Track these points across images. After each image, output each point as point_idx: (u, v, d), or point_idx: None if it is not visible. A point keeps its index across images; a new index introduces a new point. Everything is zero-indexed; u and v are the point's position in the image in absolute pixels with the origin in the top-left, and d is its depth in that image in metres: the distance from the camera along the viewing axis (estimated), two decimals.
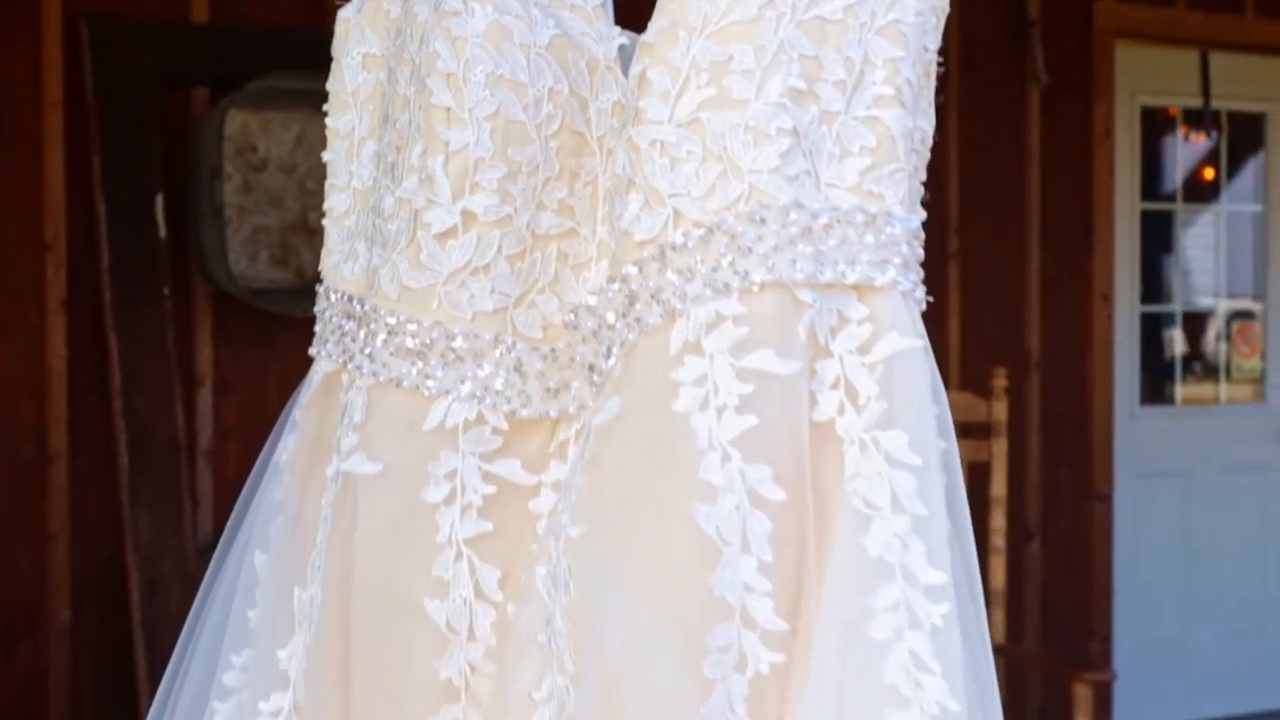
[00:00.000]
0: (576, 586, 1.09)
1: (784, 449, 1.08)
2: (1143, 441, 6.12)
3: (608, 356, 1.14)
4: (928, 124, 1.19)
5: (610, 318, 1.14)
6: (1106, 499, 5.92)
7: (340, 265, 1.33)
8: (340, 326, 1.29)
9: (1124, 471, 5.99)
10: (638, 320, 1.12)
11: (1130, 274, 6.11)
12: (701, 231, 1.11)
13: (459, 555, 1.19)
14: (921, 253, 1.18)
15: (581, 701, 1.07)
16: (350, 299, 1.29)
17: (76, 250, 4.16)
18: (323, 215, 1.40)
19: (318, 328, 1.33)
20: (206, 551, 4.14)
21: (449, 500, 1.20)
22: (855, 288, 1.12)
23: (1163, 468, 6.13)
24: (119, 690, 4.15)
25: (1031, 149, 5.70)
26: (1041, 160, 5.70)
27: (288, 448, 1.32)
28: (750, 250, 1.10)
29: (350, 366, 1.25)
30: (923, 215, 1.18)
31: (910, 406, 1.10)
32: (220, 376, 4.39)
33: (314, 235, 4.49)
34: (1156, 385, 6.33)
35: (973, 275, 5.55)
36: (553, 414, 1.20)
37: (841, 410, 1.10)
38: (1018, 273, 5.69)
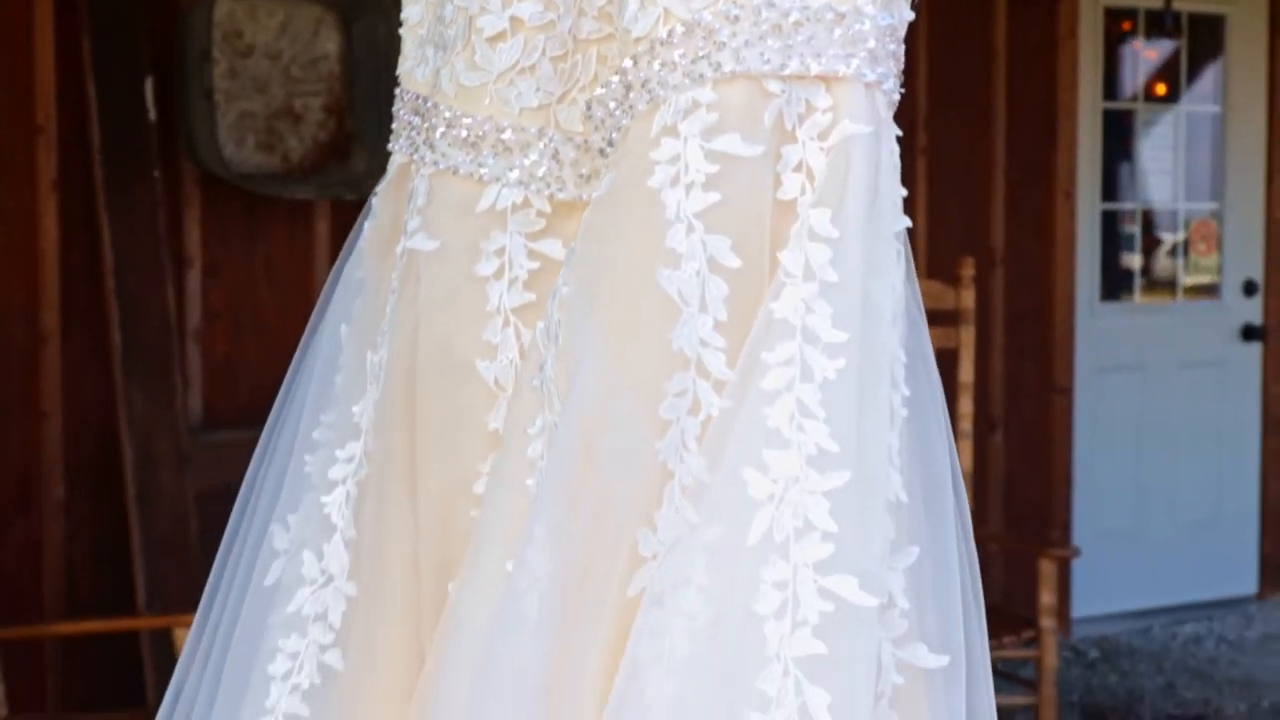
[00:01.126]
0: (564, 337, 1.22)
1: (745, 223, 1.20)
2: (1102, 337, 6.27)
3: (611, 135, 1.26)
4: None
5: (612, 106, 1.25)
6: (1067, 392, 6.08)
7: (414, 70, 1.45)
8: (410, 122, 1.41)
9: (1084, 366, 6.14)
10: (630, 107, 1.23)
11: (1092, 172, 6.24)
12: (684, 28, 1.22)
13: (506, 322, 1.32)
14: (898, 50, 1.28)
15: (564, 433, 1.19)
16: (418, 98, 1.41)
17: (67, 133, 4.21)
18: (397, 34, 1.51)
19: (394, 126, 1.44)
20: (197, 430, 4.23)
21: (498, 274, 1.32)
22: (822, 78, 1.23)
23: (1121, 363, 6.28)
24: (113, 564, 4.24)
25: (997, 48, 5.81)
26: (1007, 59, 5.80)
27: (365, 232, 1.44)
28: (724, 44, 1.21)
29: (415, 157, 1.36)
30: (906, 16, 1.28)
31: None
32: (208, 260, 4.46)
33: (299, 121, 4.55)
34: (1116, 282, 6.47)
35: (939, 171, 5.67)
36: (585, 197, 1.31)
37: (803, 191, 1.21)
38: (983, 169, 5.80)
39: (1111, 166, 6.40)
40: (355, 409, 1.37)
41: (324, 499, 1.35)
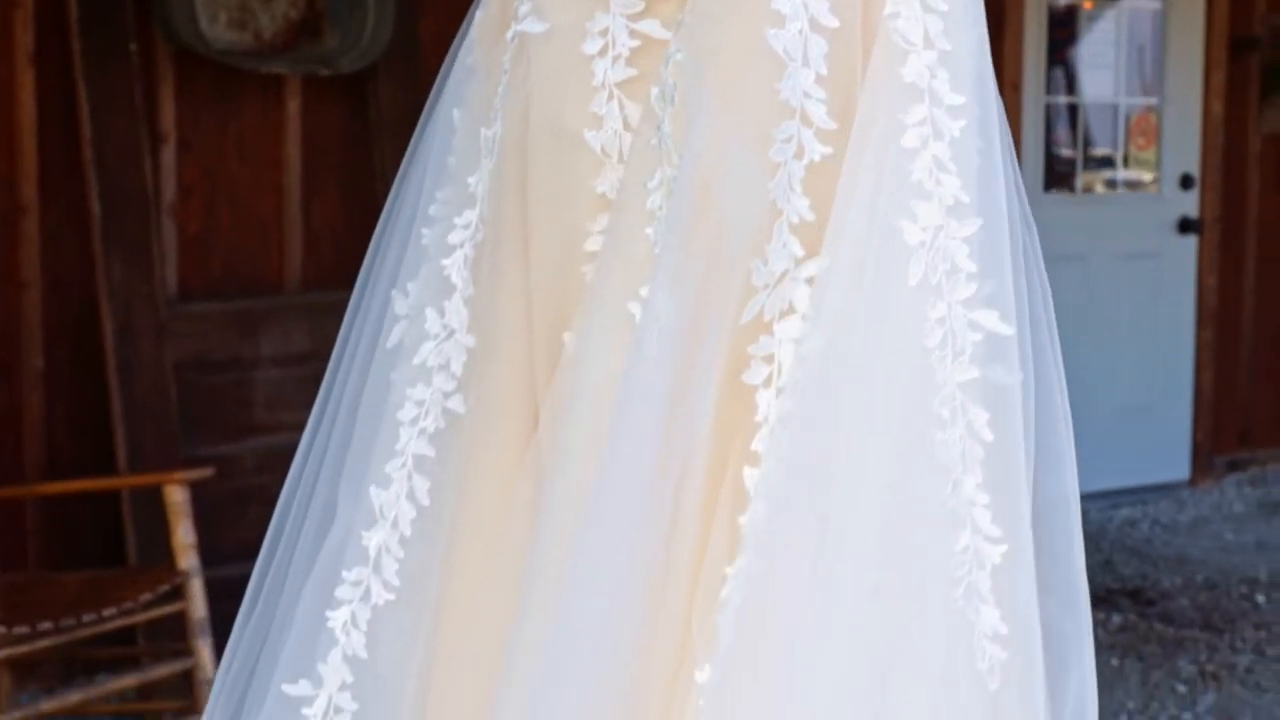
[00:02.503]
0: (680, 96, 1.36)
1: None
2: (1045, 227, 6.38)
3: None
4: None
5: None
6: None
7: None
8: None
9: None
10: None
11: (1037, 65, 6.39)
12: None
13: (610, 96, 1.44)
14: None
15: (683, 181, 1.34)
16: None
17: (44, 7, 4.25)
18: None
19: None
20: (175, 303, 4.31)
21: (602, 52, 1.45)
22: None
23: (1063, 252, 6.45)
24: (93, 433, 4.33)
25: None
26: None
27: (476, 20, 1.56)
28: None
29: None
30: None
31: None
32: (182, 135, 4.52)
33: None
34: (1058, 174, 6.63)
35: None
36: None
37: None
38: None
39: (1054, 61, 6.55)
40: (471, 179, 1.49)
41: (444, 262, 1.48)
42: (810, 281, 1.32)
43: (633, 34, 1.44)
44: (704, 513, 1.33)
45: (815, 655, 1.28)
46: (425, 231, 1.52)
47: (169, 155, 4.49)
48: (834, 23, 1.35)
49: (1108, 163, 6.80)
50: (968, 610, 1.31)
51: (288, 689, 1.45)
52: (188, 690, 3.85)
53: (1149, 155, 6.86)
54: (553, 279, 1.46)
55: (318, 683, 1.44)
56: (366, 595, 1.45)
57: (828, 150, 1.34)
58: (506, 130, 1.48)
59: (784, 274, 1.33)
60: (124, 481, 4.07)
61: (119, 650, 4.05)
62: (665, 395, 1.33)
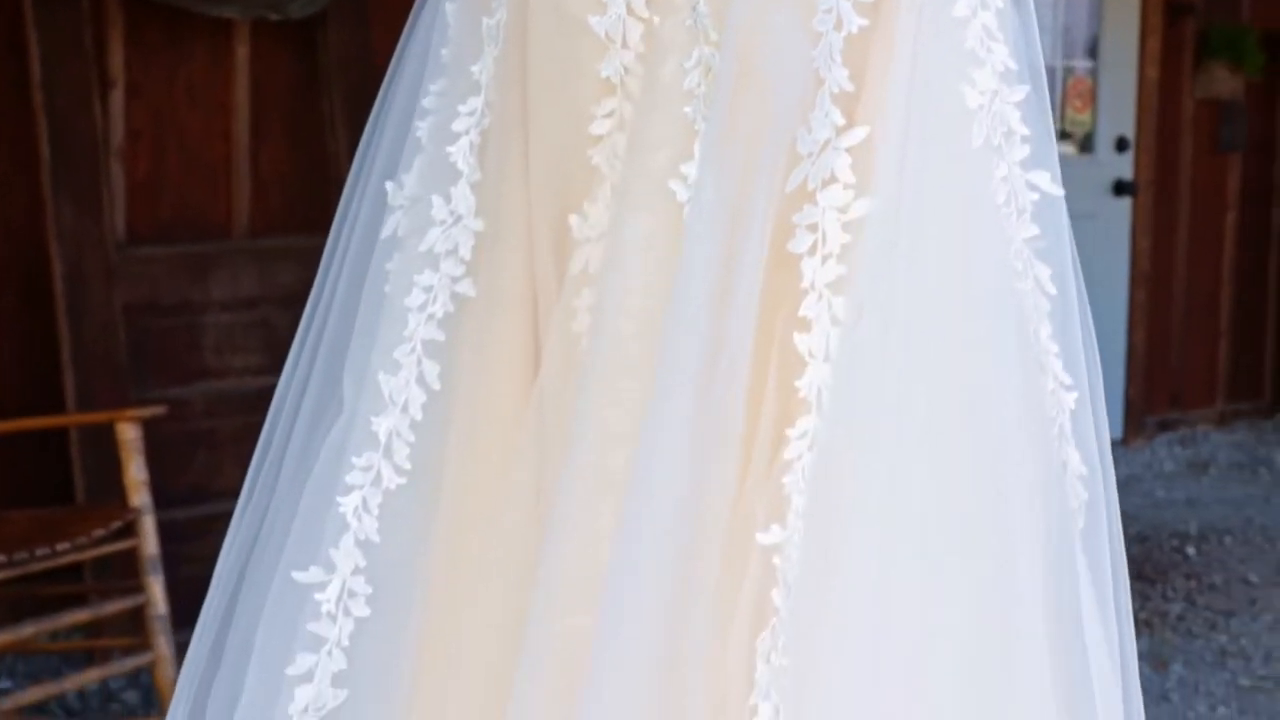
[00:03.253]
0: None
1: None
2: None
3: None
4: None
5: None
6: None
7: None
8: None
9: None
10: None
11: None
12: None
13: None
14: None
15: (725, 57, 1.37)
16: None
17: None
18: None
19: None
20: (124, 246, 4.32)
21: None
22: None
23: None
24: (42, 375, 4.34)
25: None
26: None
27: None
28: None
29: None
30: None
31: None
32: (131, 79, 4.52)
33: None
34: None
35: None
36: None
37: None
38: None
39: None
40: (474, 68, 1.51)
41: (449, 149, 1.49)
42: (851, 151, 1.35)
43: None
44: (754, 377, 1.35)
45: (907, 507, 1.31)
46: (419, 124, 1.53)
47: (118, 100, 4.49)
48: None
49: None
50: (1062, 451, 1.39)
51: (298, 576, 1.45)
52: (137, 628, 3.88)
53: (1085, 118, 6.95)
54: (556, 163, 1.48)
55: (330, 568, 1.44)
56: (378, 480, 1.46)
57: (864, 22, 1.36)
58: (511, 17, 1.50)
59: (826, 143, 1.35)
60: (76, 419, 4.08)
61: (69, 587, 4.07)
62: (716, 268, 1.34)
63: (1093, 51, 6.93)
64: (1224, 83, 7.26)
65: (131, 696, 4.17)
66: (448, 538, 1.48)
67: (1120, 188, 6.94)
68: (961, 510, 1.33)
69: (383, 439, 1.46)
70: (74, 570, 4.11)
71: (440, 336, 1.48)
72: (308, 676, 1.43)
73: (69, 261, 4.25)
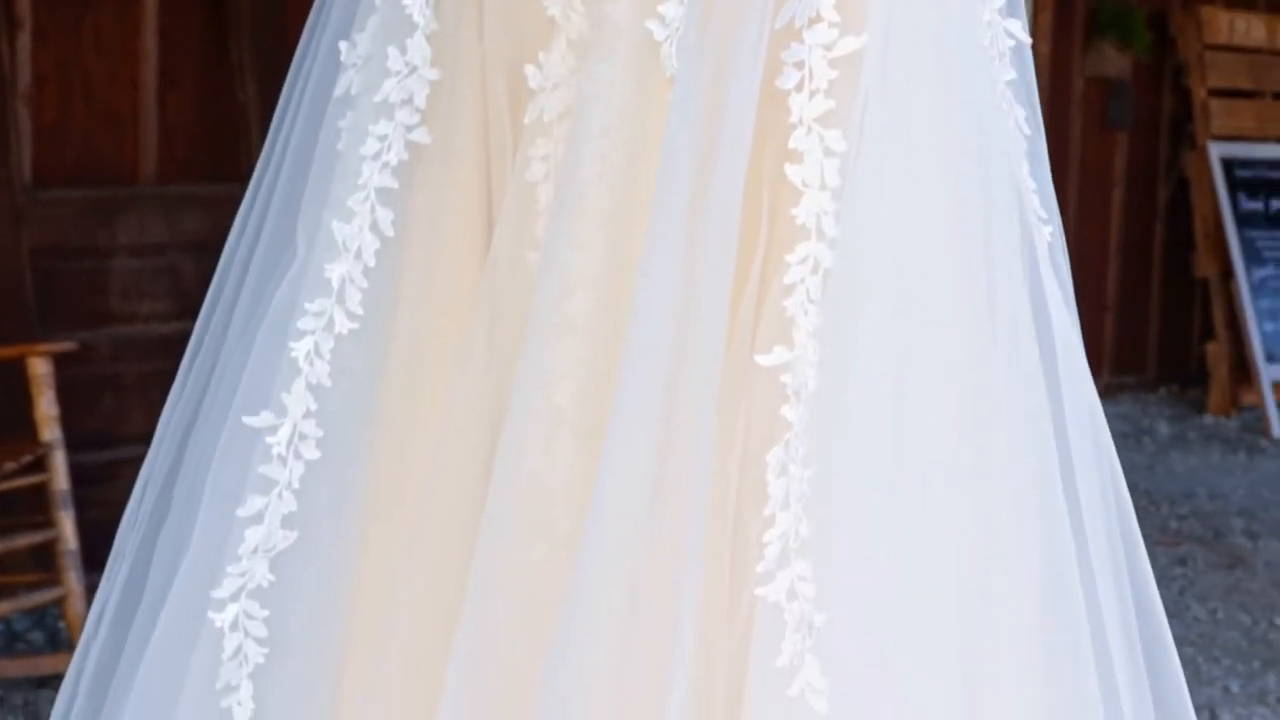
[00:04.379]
0: None
1: None
2: None
3: None
4: None
5: None
6: None
7: None
8: None
9: None
10: None
11: None
12: None
13: None
14: None
15: None
16: None
17: None
18: None
19: None
20: (31, 190, 4.31)
21: None
22: None
23: None
24: None
25: None
26: None
27: None
28: None
29: None
30: None
31: None
32: (38, 23, 4.50)
33: None
34: None
35: None
36: None
37: None
38: None
39: None
40: None
41: (404, 1, 1.48)
42: None
43: None
44: (748, 208, 1.37)
45: (911, 323, 1.37)
46: None
47: (24, 43, 4.47)
48: None
49: None
50: (1043, 282, 1.48)
51: (249, 420, 1.45)
52: (43, 565, 3.87)
53: None
54: (511, 14, 1.48)
55: (281, 412, 1.45)
56: (330, 325, 1.46)
57: None
58: None
59: None
60: None
61: None
62: (702, 106, 1.36)
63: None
64: (1112, 61, 7.42)
65: (37, 637, 4.15)
66: (400, 382, 1.49)
67: None
68: (958, 324, 1.39)
69: (335, 285, 1.47)
70: None
71: (394, 184, 1.49)
72: (258, 518, 1.44)
73: None
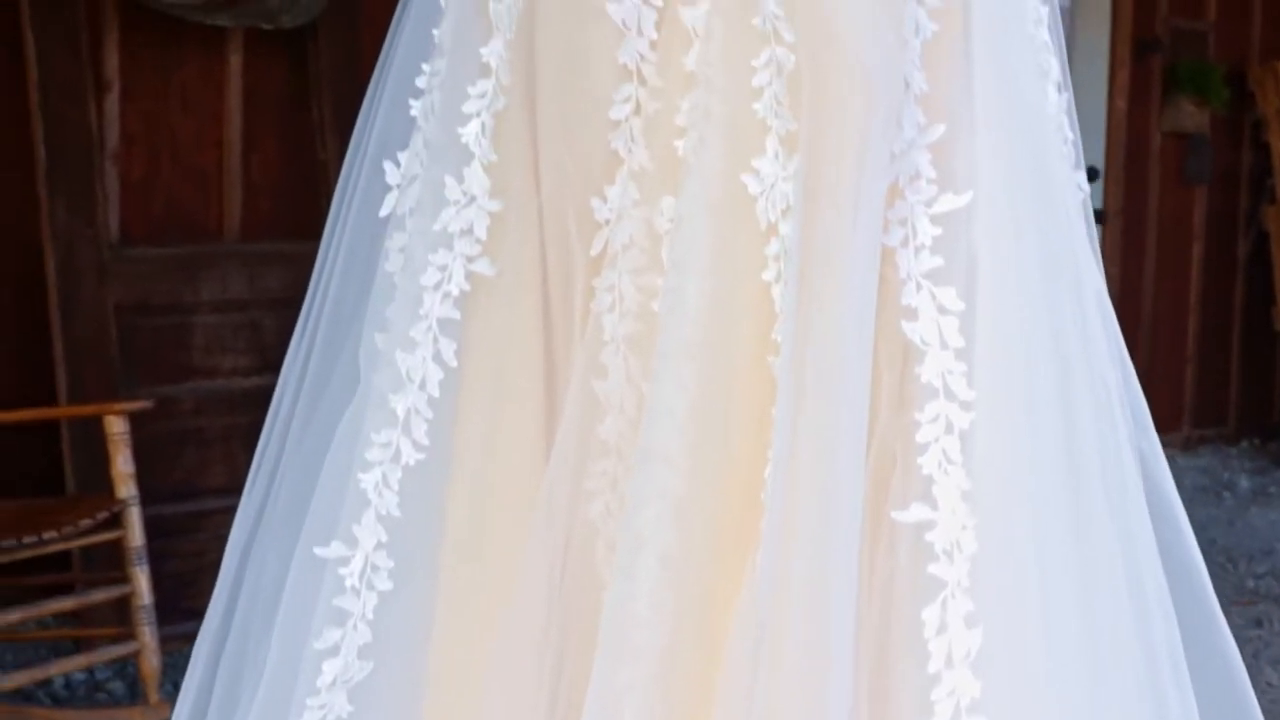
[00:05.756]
0: None
1: None
2: None
3: None
4: None
5: None
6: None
7: None
8: None
9: None
10: None
11: None
12: None
13: None
14: None
15: (803, 57, 1.40)
16: None
17: None
18: None
19: None
20: (116, 247, 4.40)
21: None
22: None
23: None
24: (35, 372, 4.40)
25: None
26: None
27: None
28: None
29: None
30: None
31: None
32: (126, 83, 4.60)
33: None
34: None
35: None
36: None
37: None
38: None
39: None
40: (483, 50, 1.54)
41: (460, 130, 1.52)
42: (931, 147, 1.42)
43: None
44: (877, 370, 1.40)
45: (1052, 482, 1.43)
46: (413, 103, 1.57)
47: (113, 103, 4.57)
48: None
49: None
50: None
51: (320, 551, 1.49)
52: (124, 618, 3.94)
53: None
54: (575, 146, 1.50)
55: (352, 543, 1.48)
56: (397, 456, 1.49)
57: (936, 27, 1.43)
58: (522, 4, 1.52)
59: (911, 142, 1.41)
60: (65, 411, 4.15)
61: (56, 577, 4.13)
62: (808, 261, 1.38)
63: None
64: (1190, 117, 7.40)
65: (117, 687, 4.23)
66: (467, 509, 1.52)
67: None
68: (1091, 475, 1.45)
69: (401, 416, 1.50)
70: (63, 560, 4.17)
71: (456, 315, 1.51)
72: (334, 650, 1.47)
73: (62, 260, 4.33)
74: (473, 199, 1.53)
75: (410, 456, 1.50)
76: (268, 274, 4.74)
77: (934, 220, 1.41)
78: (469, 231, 1.53)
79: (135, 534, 3.81)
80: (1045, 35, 1.51)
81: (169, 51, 4.67)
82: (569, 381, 1.49)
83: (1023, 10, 1.49)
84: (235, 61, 4.77)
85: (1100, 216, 7.06)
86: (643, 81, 1.49)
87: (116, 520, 3.81)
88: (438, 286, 1.52)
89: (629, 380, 1.45)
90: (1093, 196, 6.90)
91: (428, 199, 1.54)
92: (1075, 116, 1.56)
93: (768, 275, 1.41)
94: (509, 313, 1.53)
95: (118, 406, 3.86)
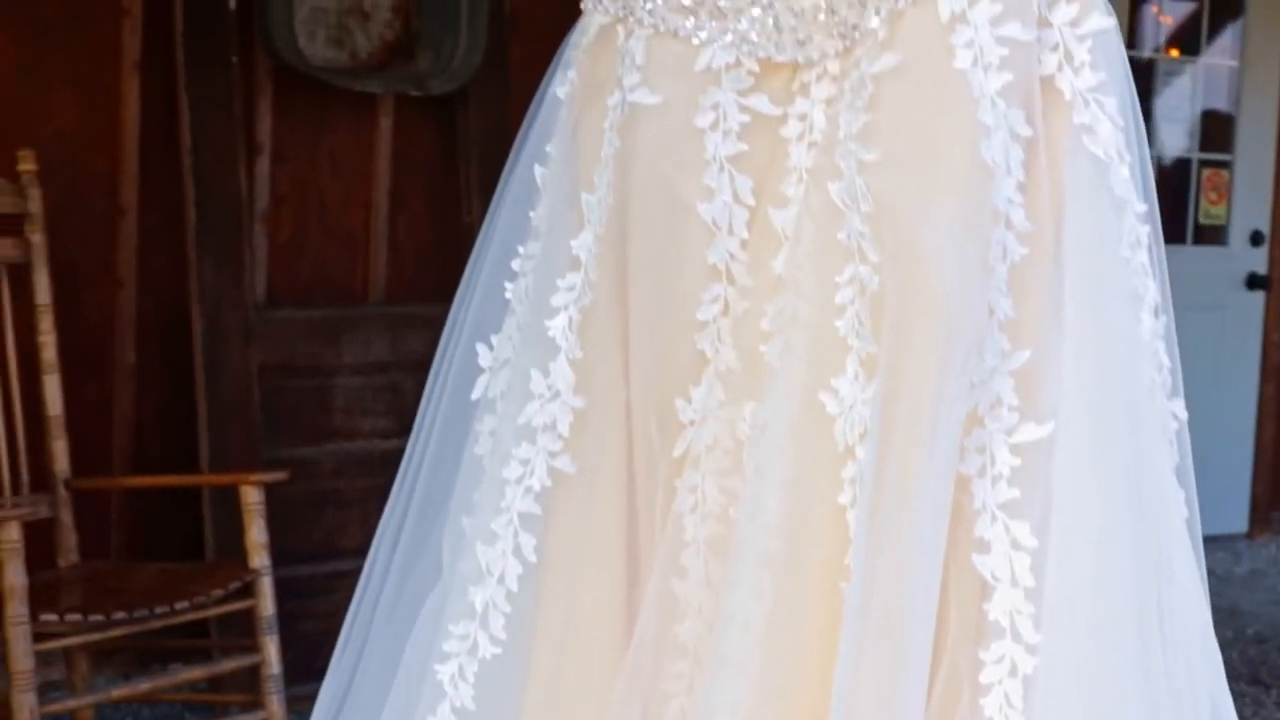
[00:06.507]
0: (875, 199, 1.41)
1: (1028, 97, 1.43)
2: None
3: (875, 15, 1.44)
4: None
5: None
6: None
7: None
8: None
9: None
10: None
11: None
12: None
13: (721, 168, 1.51)
14: None
15: (887, 278, 1.39)
16: None
17: (152, 16, 4.40)
18: None
19: None
20: (262, 308, 4.45)
21: (714, 126, 1.51)
22: None
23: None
24: (180, 429, 4.47)
25: None
26: None
27: (566, 81, 1.62)
28: None
29: (630, 20, 1.54)
30: None
31: (1116, 78, 1.47)
32: (277, 146, 4.66)
33: (367, 19, 4.76)
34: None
35: None
36: (799, 59, 1.51)
37: (1060, 68, 1.45)
38: None
39: None
40: (573, 243, 1.55)
41: (547, 322, 1.54)
42: (1014, 374, 1.40)
43: (742, 109, 1.50)
44: (947, 602, 1.38)
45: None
46: (508, 285, 1.59)
47: (264, 165, 4.63)
48: (1027, 131, 1.42)
49: (1179, 216, 6.85)
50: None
51: None
52: (255, 683, 3.97)
53: (1220, 210, 6.91)
54: (662, 345, 1.51)
55: None
56: (474, 649, 1.51)
57: (1025, 251, 1.41)
58: (615, 198, 1.53)
59: (994, 369, 1.40)
60: (202, 480, 4.20)
61: (191, 642, 4.18)
62: (871, 491, 1.36)
63: (1228, 145, 6.89)
64: None
65: None
66: (541, 707, 1.52)
67: (1253, 281, 6.88)
68: None
69: (479, 609, 1.52)
70: (200, 621, 4.22)
71: (536, 510, 1.52)
72: None
73: (208, 320, 4.39)
74: (557, 394, 1.54)
75: (487, 650, 1.51)
76: (410, 336, 4.77)
77: (1013, 450, 1.38)
78: (552, 427, 1.53)
79: (266, 604, 3.84)
80: (1143, 258, 1.45)
81: (320, 115, 4.72)
82: (648, 581, 1.48)
83: (1118, 233, 1.44)
84: (385, 124, 4.80)
85: (1265, 281, 6.88)
86: (731, 281, 1.49)
87: (249, 589, 3.84)
88: (520, 480, 1.53)
89: (708, 584, 1.44)
90: (1257, 261, 6.73)
91: (515, 389, 1.55)
92: (1175, 341, 1.50)
93: (843, 499, 1.39)
94: (588, 512, 1.53)
95: (253, 477, 3.89)
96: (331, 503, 4.62)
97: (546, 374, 1.54)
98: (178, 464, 4.45)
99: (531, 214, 1.61)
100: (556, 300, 1.56)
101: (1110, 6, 1.50)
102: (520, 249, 1.61)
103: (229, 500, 4.18)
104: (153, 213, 4.47)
